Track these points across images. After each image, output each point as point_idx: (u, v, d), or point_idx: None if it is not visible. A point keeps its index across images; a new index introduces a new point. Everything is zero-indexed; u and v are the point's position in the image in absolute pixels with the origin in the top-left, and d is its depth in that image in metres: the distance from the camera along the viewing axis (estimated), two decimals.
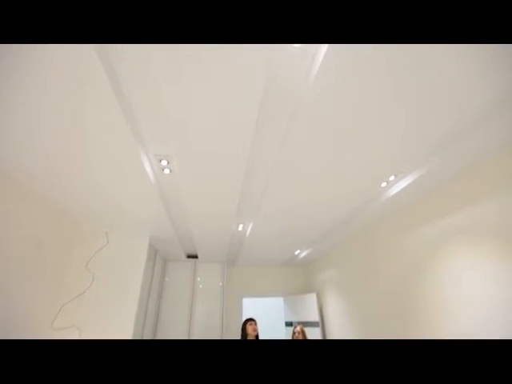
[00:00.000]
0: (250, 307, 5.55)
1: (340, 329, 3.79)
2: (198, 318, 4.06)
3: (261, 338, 2.75)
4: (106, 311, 2.65)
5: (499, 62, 1.22)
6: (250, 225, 3.08)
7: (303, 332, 3.08)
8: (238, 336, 2.77)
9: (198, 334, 3.92)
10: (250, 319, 2.77)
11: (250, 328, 2.67)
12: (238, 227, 3.24)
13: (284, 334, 5.05)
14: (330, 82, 1.28)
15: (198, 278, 4.43)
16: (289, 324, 4.84)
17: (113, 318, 2.65)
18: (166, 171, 1.99)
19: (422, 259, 2.40)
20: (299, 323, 3.50)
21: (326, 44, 1.11)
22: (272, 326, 5.59)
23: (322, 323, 4.24)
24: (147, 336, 3.35)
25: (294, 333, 3.10)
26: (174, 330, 3.88)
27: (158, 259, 3.89)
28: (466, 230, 2.01)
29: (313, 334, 4.02)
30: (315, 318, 4.24)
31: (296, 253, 4.38)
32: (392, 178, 2.18)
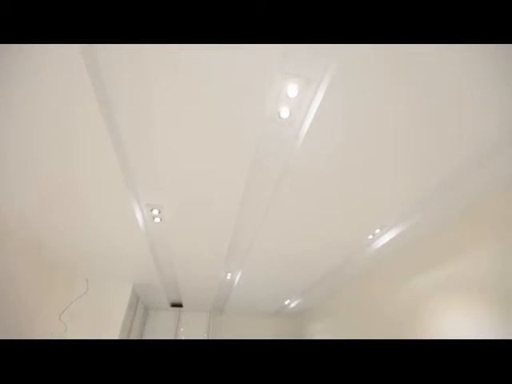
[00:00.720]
0: None
1: None
2: None
3: None
4: None
5: None
6: (239, 274, 3.01)
7: None
8: None
9: None
10: None
11: None
12: (226, 276, 3.15)
13: None
14: (318, 144, 1.40)
15: (182, 329, 4.14)
16: None
17: None
18: (157, 220, 2.00)
19: (414, 313, 2.34)
20: None
21: (310, 117, 1.24)
22: None
23: None
24: None
25: None
26: None
27: (140, 307, 3.66)
28: (451, 285, 2.02)
29: None
30: None
31: (286, 303, 4.21)
32: (378, 230, 2.25)
